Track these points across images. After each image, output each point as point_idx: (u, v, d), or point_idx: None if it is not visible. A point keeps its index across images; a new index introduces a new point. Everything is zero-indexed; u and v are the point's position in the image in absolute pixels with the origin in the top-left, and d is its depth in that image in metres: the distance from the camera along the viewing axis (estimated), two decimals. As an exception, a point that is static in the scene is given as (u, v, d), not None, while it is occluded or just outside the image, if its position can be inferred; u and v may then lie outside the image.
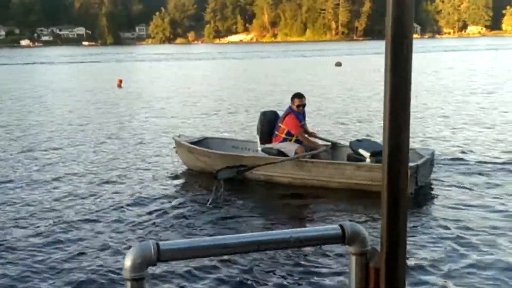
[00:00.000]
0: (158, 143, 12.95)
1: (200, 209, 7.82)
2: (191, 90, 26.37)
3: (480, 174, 9.42)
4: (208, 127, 15.16)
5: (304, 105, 9.41)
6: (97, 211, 7.78)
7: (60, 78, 38.54)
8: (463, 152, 11.12)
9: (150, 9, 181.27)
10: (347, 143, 9.54)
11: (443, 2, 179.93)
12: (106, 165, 10.78)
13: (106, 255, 6.15)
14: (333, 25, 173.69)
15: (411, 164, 8.15)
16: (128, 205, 8.09)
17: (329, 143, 9.74)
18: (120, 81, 29.77)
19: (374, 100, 20.22)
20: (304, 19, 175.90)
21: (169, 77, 36.14)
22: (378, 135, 12.41)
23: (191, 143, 10.02)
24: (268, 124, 9.64)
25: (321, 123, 14.75)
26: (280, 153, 9.20)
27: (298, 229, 1.63)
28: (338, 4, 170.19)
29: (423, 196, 8.30)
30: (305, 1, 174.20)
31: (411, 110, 1.41)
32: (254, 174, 9.06)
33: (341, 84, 27.55)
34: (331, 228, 1.61)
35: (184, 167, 10.24)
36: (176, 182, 9.63)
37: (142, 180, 9.60)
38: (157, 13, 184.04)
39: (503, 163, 10.11)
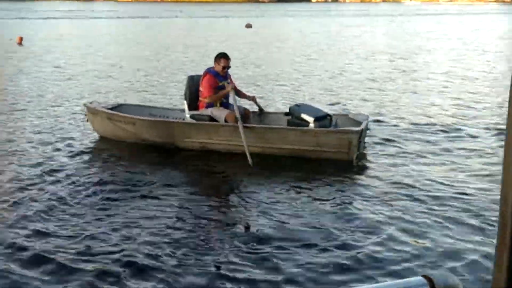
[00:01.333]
0: (68, 110, 11.81)
1: (129, 187, 7.08)
2: (97, 51, 24.78)
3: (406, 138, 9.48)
4: (119, 93, 13.92)
5: (228, 67, 8.78)
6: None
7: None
8: (394, 117, 11.12)
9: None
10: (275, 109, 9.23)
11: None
12: (7, 139, 9.50)
13: None
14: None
15: (356, 128, 8.16)
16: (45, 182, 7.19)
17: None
18: (21, 38, 28.04)
19: (291, 61, 20.09)
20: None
21: (72, 36, 34.27)
22: (303, 100, 12.23)
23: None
24: (197, 89, 8.88)
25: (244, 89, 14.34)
26: (211, 119, 8.60)
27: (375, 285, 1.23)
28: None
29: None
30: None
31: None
32: (186, 143, 8.57)
33: (254, 45, 27.25)
34: (415, 282, 1.23)
35: (96, 137, 9.35)
36: (92, 154, 8.67)
37: (53, 154, 8.47)
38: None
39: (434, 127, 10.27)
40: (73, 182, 7.12)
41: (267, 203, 6.46)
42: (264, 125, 8.68)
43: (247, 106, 9.13)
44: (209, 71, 8.68)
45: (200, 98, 8.72)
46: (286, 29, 42.58)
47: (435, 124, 10.40)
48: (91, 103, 9.75)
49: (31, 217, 5.96)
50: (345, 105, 12.46)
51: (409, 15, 71.71)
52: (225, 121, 8.44)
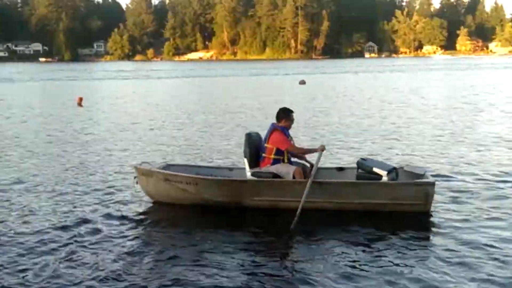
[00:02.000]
0: (117, 173, 11.34)
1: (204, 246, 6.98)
2: (151, 111, 24.85)
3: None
4: (167, 153, 13.56)
5: (293, 121, 8.75)
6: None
7: (17, 95, 37.15)
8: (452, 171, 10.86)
9: (108, 26, 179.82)
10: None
11: (399, 22, 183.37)
12: (64, 202, 9.08)
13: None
14: (292, 43, 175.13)
15: (431, 179, 8.17)
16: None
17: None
18: (81, 99, 28.49)
19: (347, 115, 19.84)
20: (264, 37, 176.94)
21: (129, 96, 34.91)
22: (363, 153, 11.95)
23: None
24: (256, 146, 8.72)
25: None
26: (276, 176, 8.34)
27: None
28: (297, 23, 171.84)
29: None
30: (264, 20, 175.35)
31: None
32: (255, 201, 8.26)
33: (308, 100, 27.19)
34: None
35: (147, 200, 8.91)
36: (147, 219, 8.17)
37: (106, 218, 8.09)
38: (116, 30, 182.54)
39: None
40: (136, 248, 6.85)
41: (343, 263, 6.30)
42: (338, 179, 8.50)
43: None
44: (277, 127, 8.53)
45: (264, 155, 8.52)
46: (338, 84, 42.46)
47: (502, 177, 10.16)
48: (140, 164, 9.31)
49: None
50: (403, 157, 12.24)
51: (463, 69, 70.60)
52: (293, 177, 8.23)
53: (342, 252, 6.57)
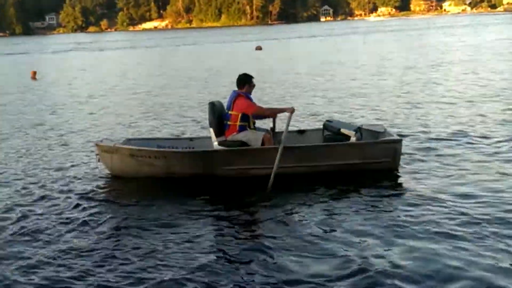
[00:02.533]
0: (79, 149, 11.03)
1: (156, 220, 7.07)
2: (107, 84, 24.21)
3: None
4: (124, 127, 13.26)
5: (254, 86, 8.63)
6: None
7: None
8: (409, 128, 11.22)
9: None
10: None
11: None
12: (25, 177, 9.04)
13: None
14: (248, 9, 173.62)
15: (398, 137, 8.47)
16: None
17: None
18: (34, 72, 28.34)
19: (301, 81, 20.08)
20: (219, 4, 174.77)
21: (82, 69, 34.24)
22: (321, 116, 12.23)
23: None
24: (219, 115, 8.57)
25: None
26: (244, 144, 8.24)
27: None
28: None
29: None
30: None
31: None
32: (225, 170, 8.14)
33: (263, 67, 27.29)
34: None
35: (107, 176, 8.67)
36: (115, 193, 7.97)
37: (66, 197, 7.84)
38: (67, 1, 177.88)
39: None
40: (98, 225, 6.70)
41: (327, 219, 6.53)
42: (305, 144, 8.54)
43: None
44: (240, 93, 8.39)
45: (229, 123, 8.35)
46: (294, 50, 42.63)
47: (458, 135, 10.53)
48: (101, 141, 9.02)
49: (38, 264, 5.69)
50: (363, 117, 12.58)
51: (416, 29, 71.42)
52: (262, 144, 8.21)
53: (314, 214, 6.66)
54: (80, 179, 8.74)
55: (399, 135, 9.04)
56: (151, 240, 6.12)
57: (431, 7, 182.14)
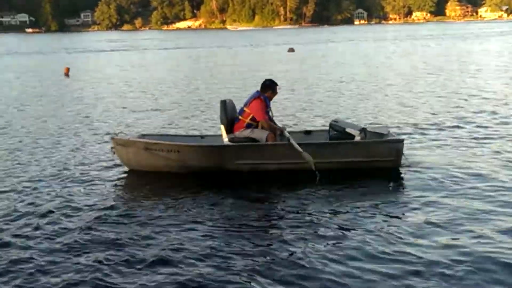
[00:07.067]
0: (93, 142, 11.53)
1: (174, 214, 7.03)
2: (133, 82, 24.49)
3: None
4: (144, 123, 13.70)
5: (276, 93, 9.05)
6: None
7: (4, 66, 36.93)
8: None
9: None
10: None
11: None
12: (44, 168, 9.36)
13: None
14: (281, 10, 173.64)
15: (401, 137, 9.13)
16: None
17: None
18: (67, 69, 28.78)
19: (328, 83, 19.96)
20: (252, 5, 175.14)
21: (114, 68, 34.63)
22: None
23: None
24: (231, 113, 8.91)
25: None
26: (251, 140, 8.61)
27: None
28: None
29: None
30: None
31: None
32: (237, 165, 8.42)
33: (296, 69, 27.21)
34: None
35: (124, 170, 8.96)
36: (129, 186, 8.37)
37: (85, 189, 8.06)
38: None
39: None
40: (118, 216, 6.86)
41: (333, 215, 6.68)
42: (314, 141, 8.88)
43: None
44: (261, 95, 8.72)
45: (240, 117, 8.74)
46: (327, 53, 42.47)
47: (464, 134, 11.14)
48: (117, 134, 9.33)
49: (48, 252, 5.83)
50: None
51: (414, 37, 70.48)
52: (266, 141, 8.53)
53: (319, 211, 6.82)
54: (96, 171, 9.05)
55: (403, 134, 9.79)
56: (160, 235, 6.19)
57: (466, 13, 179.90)
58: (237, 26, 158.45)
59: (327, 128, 9.25)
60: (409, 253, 5.47)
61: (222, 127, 8.78)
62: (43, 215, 6.95)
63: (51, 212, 7.07)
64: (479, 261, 5.27)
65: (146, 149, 8.63)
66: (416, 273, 5.07)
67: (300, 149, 8.07)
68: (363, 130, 8.75)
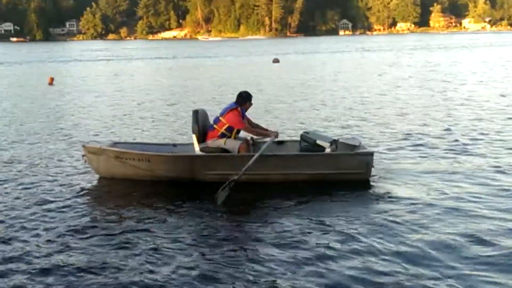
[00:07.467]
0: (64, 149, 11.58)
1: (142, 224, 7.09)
2: (115, 93, 24.32)
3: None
4: (116, 132, 13.80)
5: (251, 105, 9.15)
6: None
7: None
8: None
9: (80, 5, 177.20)
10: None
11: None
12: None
13: None
14: (267, 21, 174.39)
15: (371, 150, 9.06)
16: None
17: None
18: (52, 79, 28.75)
19: (309, 94, 20.11)
20: (238, 15, 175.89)
21: (98, 77, 34.55)
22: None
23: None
24: (203, 122, 8.97)
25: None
26: (224, 151, 8.65)
27: None
28: (271, 0, 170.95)
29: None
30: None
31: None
32: (207, 175, 8.43)
33: (280, 80, 27.36)
34: None
35: (95, 177, 9.01)
36: (98, 194, 8.41)
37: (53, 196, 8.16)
38: (88, 9, 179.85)
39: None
40: (82, 224, 6.91)
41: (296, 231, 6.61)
42: (283, 153, 8.85)
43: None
44: (238, 107, 8.82)
45: (214, 126, 8.74)
46: (313, 64, 42.69)
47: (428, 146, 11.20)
48: (88, 143, 9.44)
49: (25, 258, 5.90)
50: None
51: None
52: (238, 152, 8.57)
53: (289, 221, 6.88)
54: (67, 178, 9.15)
55: (372, 147, 9.72)
56: (127, 243, 6.26)
57: (450, 24, 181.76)
58: (208, 37, 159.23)
59: (299, 139, 9.27)
60: (371, 268, 5.53)
61: (194, 136, 8.78)
62: (10, 221, 7.04)
63: (19, 217, 7.17)
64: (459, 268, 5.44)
65: (117, 158, 8.73)
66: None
67: (249, 164, 8.02)
68: (334, 142, 8.80)
